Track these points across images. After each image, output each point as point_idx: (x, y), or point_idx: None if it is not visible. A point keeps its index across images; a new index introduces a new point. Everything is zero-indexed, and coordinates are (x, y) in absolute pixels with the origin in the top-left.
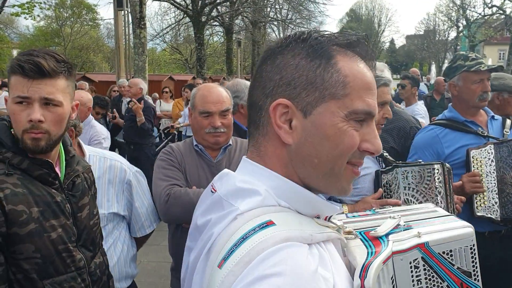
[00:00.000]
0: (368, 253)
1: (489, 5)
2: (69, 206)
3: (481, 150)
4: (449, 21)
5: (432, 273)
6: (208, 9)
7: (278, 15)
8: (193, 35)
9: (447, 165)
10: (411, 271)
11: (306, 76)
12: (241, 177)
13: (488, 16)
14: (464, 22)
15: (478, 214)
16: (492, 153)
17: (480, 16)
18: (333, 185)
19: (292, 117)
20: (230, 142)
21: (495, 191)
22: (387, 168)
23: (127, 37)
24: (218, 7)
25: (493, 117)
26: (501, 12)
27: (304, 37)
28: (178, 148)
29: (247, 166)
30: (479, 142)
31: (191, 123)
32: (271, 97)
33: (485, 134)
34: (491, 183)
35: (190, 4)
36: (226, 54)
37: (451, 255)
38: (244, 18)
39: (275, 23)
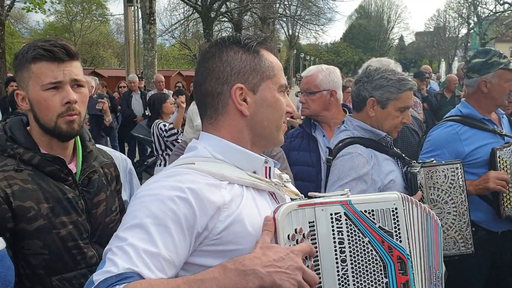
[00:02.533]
0: (295, 200)
1: (501, 2)
2: (83, 203)
3: (506, 150)
4: (459, 18)
5: (354, 227)
6: (217, 5)
7: (287, 11)
8: (202, 31)
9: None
10: (332, 222)
11: (249, 65)
12: (193, 140)
13: (499, 13)
14: (475, 19)
15: (505, 215)
16: None
17: (491, 13)
18: (275, 139)
19: (246, 96)
20: None
21: None
22: (418, 169)
23: (136, 32)
24: (227, 3)
25: (502, 115)
26: None
27: (236, 40)
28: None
29: (200, 135)
30: (497, 140)
31: None
32: (227, 84)
33: (503, 133)
34: None
35: (199, 0)
36: None
37: (373, 214)
38: (253, 14)
39: (284, 19)
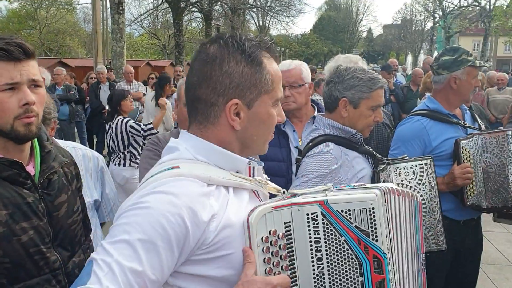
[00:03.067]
0: (273, 203)
1: None
2: (43, 206)
3: (468, 141)
4: (425, 12)
5: (330, 227)
6: None
7: (258, 2)
8: (171, 21)
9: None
10: (308, 222)
11: (249, 80)
12: (173, 140)
13: (463, 8)
14: (441, 13)
15: (469, 203)
16: (478, 143)
17: (456, 8)
18: (261, 150)
19: (240, 111)
20: None
21: (481, 180)
22: (383, 166)
23: (104, 22)
24: None
25: (466, 111)
26: (476, 4)
27: (240, 47)
28: (164, 138)
29: (180, 135)
30: (461, 134)
31: (177, 114)
32: (223, 97)
33: (467, 126)
34: (478, 172)
35: None
36: None
37: (349, 214)
38: (223, 4)
39: (254, 10)
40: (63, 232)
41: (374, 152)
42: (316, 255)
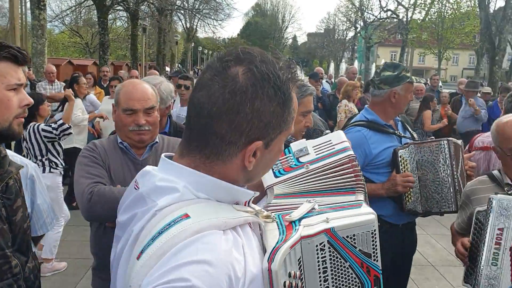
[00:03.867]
0: (279, 237)
1: (385, 9)
2: (4, 211)
3: (405, 150)
4: (347, 22)
5: (336, 254)
6: None
7: (186, 4)
8: (95, 19)
9: None
10: (317, 253)
11: (277, 121)
12: (161, 175)
13: (383, 19)
14: (362, 24)
15: (407, 208)
16: (414, 152)
17: (376, 19)
18: (260, 177)
19: (257, 151)
20: (157, 140)
21: (417, 187)
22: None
23: (23, 17)
24: None
25: (398, 121)
26: (395, 16)
27: (276, 82)
28: (101, 144)
29: (166, 165)
30: (397, 143)
31: (115, 120)
32: (246, 137)
33: (402, 135)
34: (414, 180)
35: None
36: (130, 41)
37: (354, 239)
38: (150, 4)
39: (182, 11)
40: (20, 237)
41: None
42: (324, 285)
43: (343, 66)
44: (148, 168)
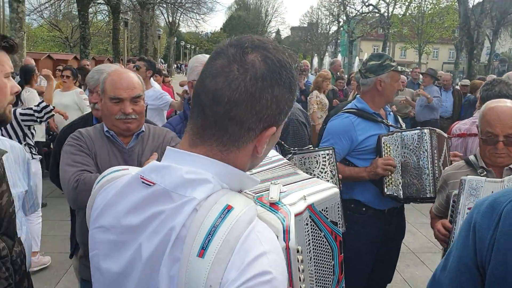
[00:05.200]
0: (278, 218)
1: (367, 4)
2: None
3: (390, 137)
4: (330, 16)
5: (315, 226)
6: None
7: None
8: (75, 12)
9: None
10: (305, 228)
11: (288, 107)
12: (187, 168)
13: (365, 14)
14: (345, 18)
15: (387, 193)
16: (398, 140)
17: (358, 13)
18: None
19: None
20: (143, 129)
21: (399, 173)
22: (289, 156)
23: (1, 9)
24: None
25: (389, 113)
26: (377, 11)
27: (291, 70)
28: (87, 133)
29: (186, 157)
30: (384, 131)
31: (101, 109)
32: (264, 123)
33: (389, 124)
34: (396, 166)
35: None
36: (112, 35)
37: (327, 211)
38: None
39: (165, 5)
40: (6, 221)
41: (282, 142)
42: (308, 256)
43: (327, 59)
44: (156, 162)
